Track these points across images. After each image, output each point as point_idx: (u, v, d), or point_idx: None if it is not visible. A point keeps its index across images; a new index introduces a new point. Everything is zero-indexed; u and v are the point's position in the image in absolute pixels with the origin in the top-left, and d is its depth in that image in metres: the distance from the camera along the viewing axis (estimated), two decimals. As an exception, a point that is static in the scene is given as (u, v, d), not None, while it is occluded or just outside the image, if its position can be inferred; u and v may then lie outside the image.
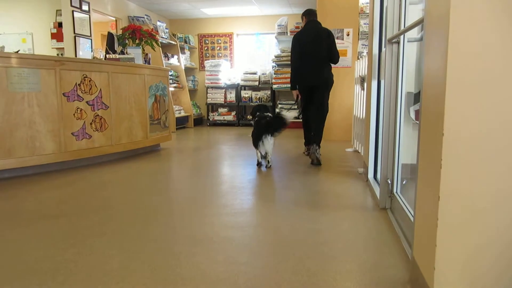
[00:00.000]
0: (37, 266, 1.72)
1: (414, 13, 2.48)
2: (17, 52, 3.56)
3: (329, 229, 2.20)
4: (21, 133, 3.46)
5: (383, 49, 2.99)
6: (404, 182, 2.45)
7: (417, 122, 2.90)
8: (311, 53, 4.27)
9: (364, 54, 5.25)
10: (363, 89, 4.19)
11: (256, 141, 3.97)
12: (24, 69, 3.42)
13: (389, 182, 2.45)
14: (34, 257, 1.82)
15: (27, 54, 3.77)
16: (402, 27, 2.36)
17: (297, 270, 1.67)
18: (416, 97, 2.79)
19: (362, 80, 4.26)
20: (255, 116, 4.25)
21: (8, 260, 1.80)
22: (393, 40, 2.35)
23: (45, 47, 6.69)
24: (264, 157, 4.11)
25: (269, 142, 3.93)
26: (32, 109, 3.52)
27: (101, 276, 1.63)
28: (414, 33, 2.59)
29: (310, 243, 1.99)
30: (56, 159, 3.75)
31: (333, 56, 4.32)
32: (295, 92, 4.67)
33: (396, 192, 2.40)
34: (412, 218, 1.88)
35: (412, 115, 2.91)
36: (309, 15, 4.59)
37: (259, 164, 4.07)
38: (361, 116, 4.34)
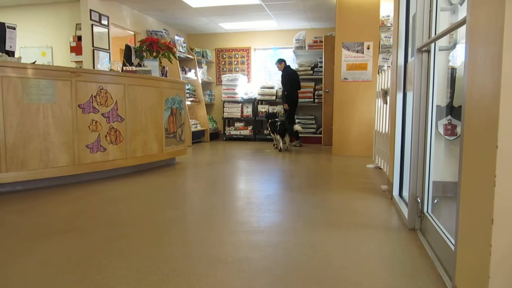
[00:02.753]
0: (43, 286, 1.60)
1: (443, 19, 2.34)
2: (33, 63, 3.54)
3: (353, 251, 2.03)
4: (35, 145, 3.40)
5: (409, 60, 2.84)
6: (435, 201, 2.27)
7: (446, 137, 2.73)
8: (296, 85, 7.48)
9: (385, 67, 5.10)
10: (386, 103, 4.03)
11: (283, 134, 6.57)
12: (40, 80, 3.38)
13: (419, 200, 2.26)
14: (40, 276, 1.70)
15: (43, 65, 3.74)
16: (432, 35, 2.22)
17: (321, 298, 1.51)
18: (447, 111, 2.62)
19: (385, 93, 4.10)
20: (269, 118, 6.96)
21: (13, 278, 1.68)
22: (423, 49, 2.20)
23: (64, 60, 6.75)
24: (284, 142, 6.61)
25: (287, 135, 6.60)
26: (47, 121, 3.47)
27: (106, 299, 1.50)
28: (444, 42, 2.45)
29: (332, 266, 1.82)
30: (70, 172, 3.67)
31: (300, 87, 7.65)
32: (286, 105, 7.37)
33: (427, 211, 2.22)
34: (449, 242, 1.70)
35: (441, 130, 2.74)
36: (285, 62, 7.48)
37: (280, 149, 6.54)
38: (383, 131, 4.17)
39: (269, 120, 6.90)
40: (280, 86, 8.54)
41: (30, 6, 6.86)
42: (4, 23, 3.57)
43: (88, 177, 3.90)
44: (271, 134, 6.94)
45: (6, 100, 3.20)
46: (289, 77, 7.35)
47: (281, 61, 7.42)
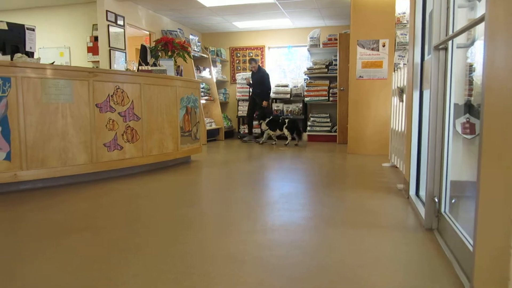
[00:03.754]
0: (60, 283, 1.64)
1: (460, 16, 2.30)
2: (52, 63, 3.61)
3: (369, 251, 2.02)
4: (54, 144, 3.48)
5: (426, 57, 2.81)
6: (453, 201, 2.23)
7: (464, 135, 2.69)
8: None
9: (401, 65, 5.03)
10: (402, 101, 3.98)
11: (275, 128, 7.32)
12: (58, 80, 3.45)
13: (436, 200, 2.24)
14: (57, 273, 1.74)
15: (61, 65, 3.83)
16: (450, 32, 2.18)
17: (337, 298, 1.50)
18: (465, 109, 2.57)
19: (401, 91, 4.06)
20: (266, 117, 7.45)
21: (30, 275, 1.73)
22: (440, 47, 2.17)
23: (82, 60, 6.86)
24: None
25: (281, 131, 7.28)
26: (66, 120, 3.54)
27: (124, 296, 1.52)
28: (462, 39, 2.40)
29: (347, 266, 1.81)
30: (88, 170, 3.74)
31: None
32: (266, 102, 7.87)
33: (445, 211, 2.19)
34: (467, 242, 1.68)
35: (459, 128, 2.69)
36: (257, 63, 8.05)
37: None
38: (399, 130, 4.12)
39: (267, 119, 7.41)
40: (295, 84, 8.54)
41: (48, 7, 6.99)
42: (23, 25, 3.65)
43: (106, 175, 3.97)
44: (270, 131, 7.45)
45: (26, 100, 3.28)
46: (266, 75, 7.93)
47: (256, 61, 8.02)
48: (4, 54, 3.42)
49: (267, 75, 7.96)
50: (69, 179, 3.68)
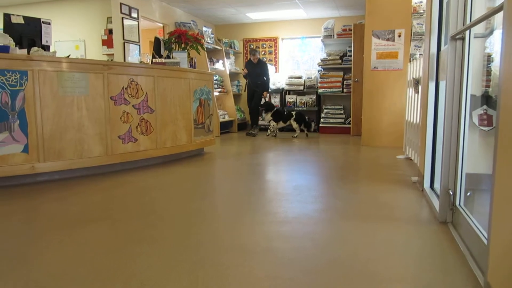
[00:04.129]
0: (76, 272, 1.68)
1: (478, 5, 2.24)
2: (68, 57, 3.65)
3: (382, 244, 2.00)
4: (71, 136, 3.53)
5: (443, 48, 2.75)
6: (468, 194, 2.20)
7: (481, 127, 2.64)
8: None
9: (417, 56, 4.94)
10: (417, 92, 3.92)
11: (279, 120, 7.29)
12: (74, 73, 3.50)
13: (451, 193, 2.21)
14: (74, 262, 1.78)
15: (76, 58, 3.88)
16: (467, 22, 2.13)
17: (348, 290, 1.51)
18: (482, 100, 2.52)
19: (417, 82, 3.99)
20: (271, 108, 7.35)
21: (47, 264, 1.77)
22: (457, 37, 2.12)
23: (96, 53, 6.92)
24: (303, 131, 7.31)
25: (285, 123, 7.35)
26: (81, 113, 3.59)
27: (138, 286, 1.55)
28: (480, 28, 2.35)
29: (360, 259, 1.81)
30: (103, 162, 3.80)
31: None
32: (266, 93, 7.86)
33: (459, 204, 2.16)
34: (482, 236, 1.66)
35: (475, 120, 2.64)
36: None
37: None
38: (415, 121, 4.07)
39: (272, 110, 7.32)
40: (309, 76, 8.47)
41: (64, 1, 7.06)
42: (39, 19, 3.70)
43: (120, 167, 4.02)
44: (273, 123, 7.35)
45: (43, 93, 3.33)
46: (267, 65, 7.89)
47: (258, 52, 7.95)
48: (21, 48, 3.48)
49: (267, 65, 7.95)
50: (84, 171, 3.75)
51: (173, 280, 1.60)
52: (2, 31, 3.49)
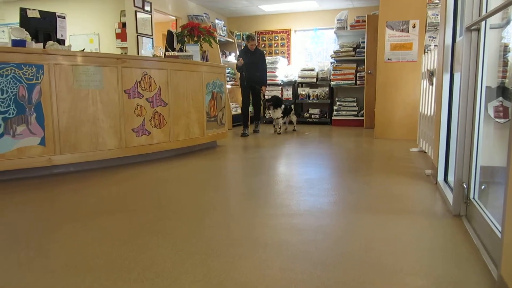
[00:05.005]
0: (92, 263, 1.72)
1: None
2: (82, 50, 3.70)
3: (394, 237, 2.00)
4: (86, 129, 3.59)
5: (458, 39, 2.70)
6: (483, 187, 2.18)
7: (497, 119, 2.59)
8: None
9: (432, 47, 4.87)
10: (432, 84, 3.87)
11: (284, 116, 6.95)
12: (88, 67, 3.55)
13: (465, 186, 2.19)
14: (90, 253, 1.82)
15: (91, 52, 3.93)
16: (483, 13, 2.09)
17: (360, 283, 1.51)
18: (498, 92, 2.48)
19: (431, 74, 3.94)
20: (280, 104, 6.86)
21: (64, 255, 1.82)
22: (473, 28, 2.09)
23: (110, 46, 7.00)
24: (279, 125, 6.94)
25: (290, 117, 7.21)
26: (96, 106, 3.64)
27: (153, 276, 1.58)
28: (496, 19, 2.30)
29: (372, 252, 1.81)
30: (117, 154, 3.85)
31: None
32: (264, 88, 7.08)
33: (473, 198, 2.14)
34: (495, 229, 1.64)
35: (491, 112, 2.60)
36: None
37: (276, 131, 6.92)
38: (429, 114, 4.02)
39: (283, 105, 6.83)
40: (321, 68, 8.41)
41: (78, -5, 7.13)
42: (55, 13, 3.75)
43: (134, 159, 4.08)
44: (282, 117, 6.87)
45: (58, 87, 3.39)
46: (264, 54, 7.00)
47: (256, 38, 7.05)
48: (37, 42, 3.53)
49: (264, 54, 7.05)
50: (99, 163, 3.81)
51: (187, 271, 1.63)
52: (18, 25, 3.55)
